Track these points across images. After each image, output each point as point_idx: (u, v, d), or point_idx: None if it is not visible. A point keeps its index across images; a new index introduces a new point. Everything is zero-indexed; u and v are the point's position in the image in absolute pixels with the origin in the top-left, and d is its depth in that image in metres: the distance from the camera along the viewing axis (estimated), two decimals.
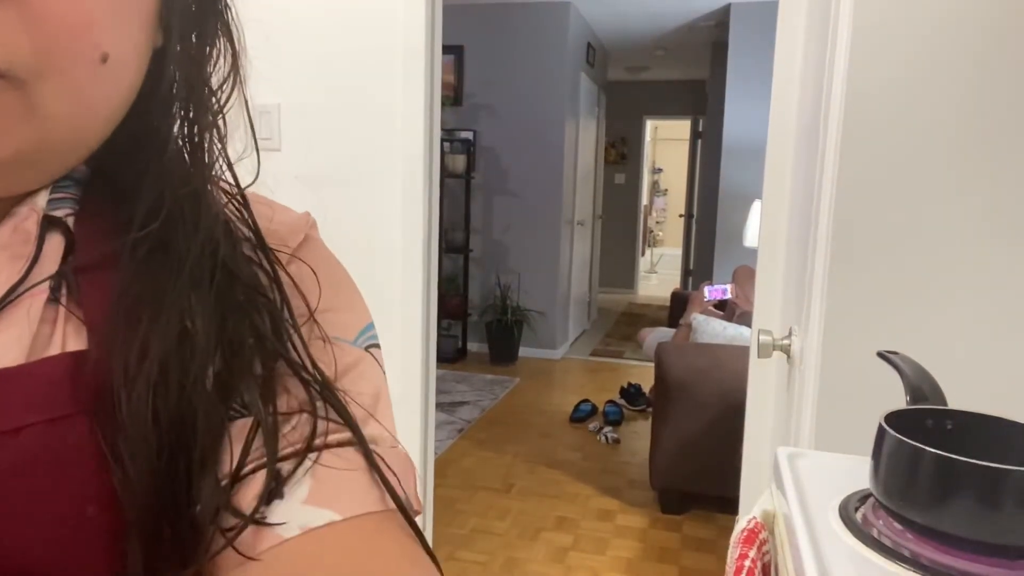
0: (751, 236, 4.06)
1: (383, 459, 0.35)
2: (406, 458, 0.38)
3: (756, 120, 4.89)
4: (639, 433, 3.86)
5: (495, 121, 5.23)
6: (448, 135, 5.07)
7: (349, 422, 0.35)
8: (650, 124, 9.22)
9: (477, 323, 5.39)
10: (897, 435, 0.54)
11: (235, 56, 0.38)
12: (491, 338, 5.25)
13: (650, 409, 3.85)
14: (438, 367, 2.05)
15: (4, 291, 0.31)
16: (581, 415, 4.05)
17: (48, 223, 0.33)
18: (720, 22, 5.40)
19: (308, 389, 0.35)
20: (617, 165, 8.64)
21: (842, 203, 0.94)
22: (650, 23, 5.67)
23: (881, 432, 0.56)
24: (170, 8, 0.34)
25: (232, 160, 0.39)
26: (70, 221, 0.34)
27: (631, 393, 4.33)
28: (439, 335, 2.29)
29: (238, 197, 0.39)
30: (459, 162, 5.07)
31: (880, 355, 0.67)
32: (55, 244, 0.33)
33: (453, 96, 5.19)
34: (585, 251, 6.37)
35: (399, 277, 1.80)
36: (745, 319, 3.17)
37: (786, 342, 1.12)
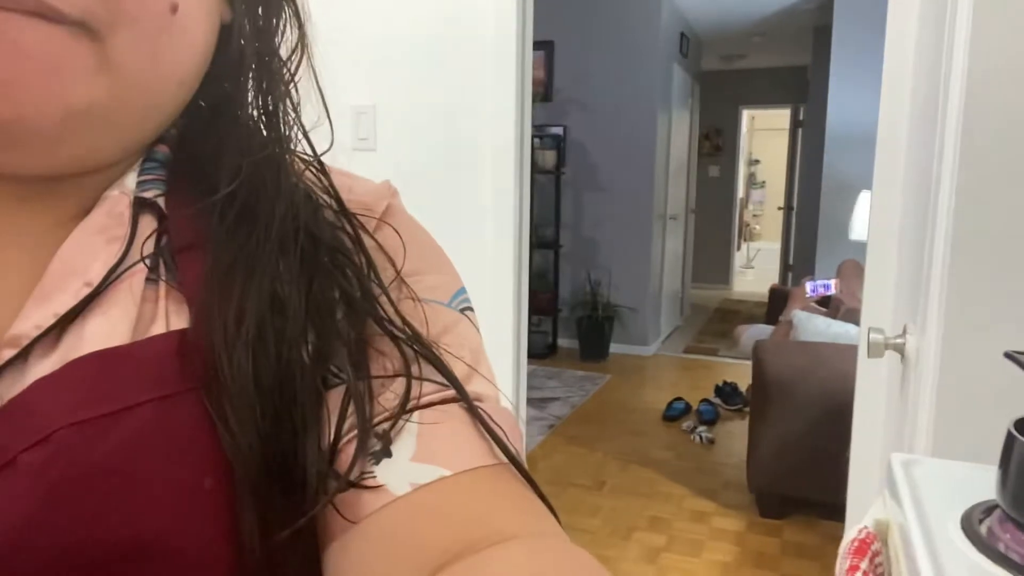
0: (858, 229, 3.85)
1: (489, 415, 0.34)
2: (512, 416, 0.37)
3: (863, 107, 4.62)
4: (735, 433, 3.74)
5: (585, 116, 5.19)
6: (538, 131, 5.08)
7: (450, 377, 0.35)
8: (747, 114, 8.90)
9: (567, 319, 5.38)
10: None
11: (301, 25, 0.38)
12: (581, 334, 5.23)
13: (746, 408, 3.73)
14: (528, 363, 2.06)
15: (105, 272, 0.32)
16: (674, 413, 3.97)
17: (139, 204, 0.34)
18: (822, 4, 5.14)
19: (402, 348, 0.35)
20: (711, 157, 8.39)
21: (963, 192, 0.87)
22: (747, 8, 5.47)
23: (1010, 439, 0.51)
24: None
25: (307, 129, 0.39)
26: (160, 202, 0.35)
27: (726, 392, 4.20)
28: (529, 331, 2.29)
29: (315, 164, 0.39)
30: (549, 158, 5.06)
31: (1007, 355, 0.62)
32: (148, 224, 0.34)
33: (543, 92, 5.19)
34: (678, 246, 6.23)
35: (490, 273, 1.82)
36: (851, 316, 3.00)
37: (900, 341, 1.05)
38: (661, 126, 5.22)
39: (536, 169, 4.89)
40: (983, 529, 0.54)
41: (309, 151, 0.39)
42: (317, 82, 0.39)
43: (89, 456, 0.28)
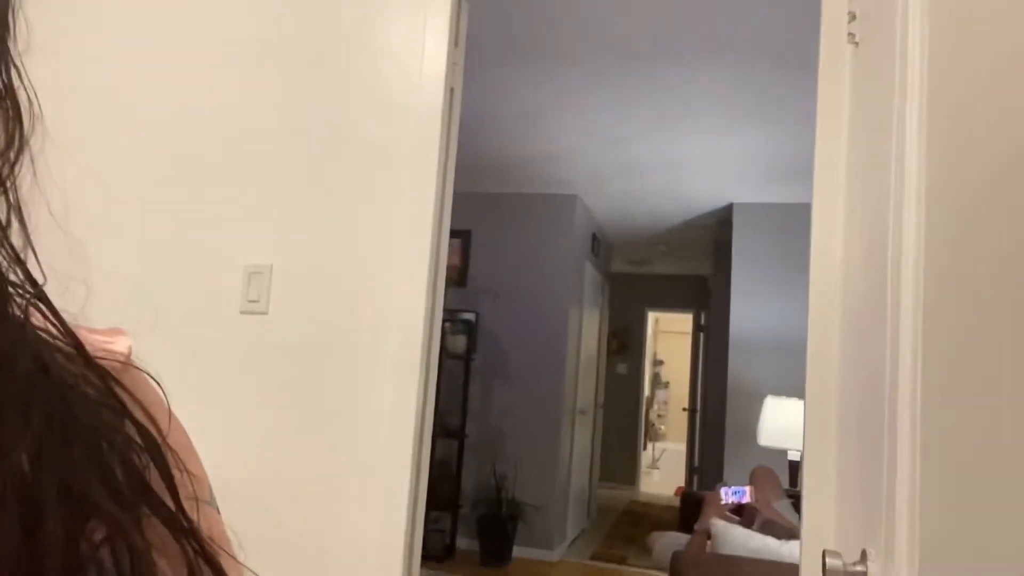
0: (765, 434, 3.83)
1: None
2: None
3: (764, 315, 4.85)
4: None
5: (498, 305, 5.21)
6: (450, 315, 5.01)
7: None
8: (652, 316, 9.30)
9: (468, 516, 4.98)
10: None
11: (20, 122, 0.29)
12: (483, 535, 4.82)
13: None
14: (422, 565, 1.77)
15: None
16: None
17: None
18: (722, 220, 5.57)
19: (185, 548, 0.28)
20: (619, 355, 8.56)
21: (929, 390, 0.77)
22: (652, 219, 5.86)
23: None
24: None
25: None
26: None
27: None
28: (425, 529, 2.02)
29: (36, 300, 0.29)
30: (459, 343, 4.97)
31: None
32: None
33: (458, 277, 5.21)
34: (586, 442, 6.07)
35: (386, 463, 1.59)
36: (770, 528, 2.85)
37: (860, 568, 0.90)
38: (572, 320, 5.28)
39: (446, 353, 4.75)
40: None
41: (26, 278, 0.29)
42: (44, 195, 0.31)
43: None
